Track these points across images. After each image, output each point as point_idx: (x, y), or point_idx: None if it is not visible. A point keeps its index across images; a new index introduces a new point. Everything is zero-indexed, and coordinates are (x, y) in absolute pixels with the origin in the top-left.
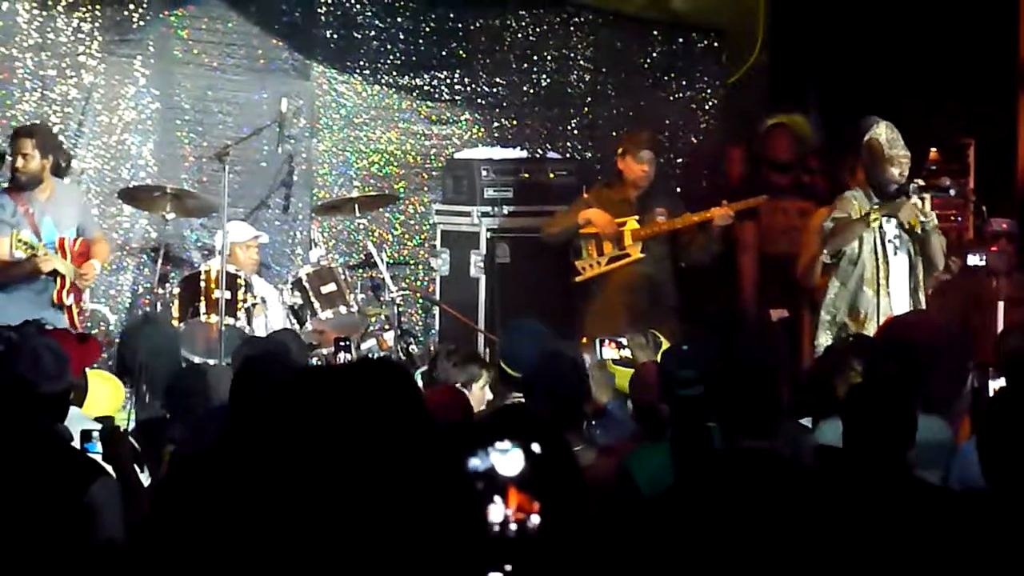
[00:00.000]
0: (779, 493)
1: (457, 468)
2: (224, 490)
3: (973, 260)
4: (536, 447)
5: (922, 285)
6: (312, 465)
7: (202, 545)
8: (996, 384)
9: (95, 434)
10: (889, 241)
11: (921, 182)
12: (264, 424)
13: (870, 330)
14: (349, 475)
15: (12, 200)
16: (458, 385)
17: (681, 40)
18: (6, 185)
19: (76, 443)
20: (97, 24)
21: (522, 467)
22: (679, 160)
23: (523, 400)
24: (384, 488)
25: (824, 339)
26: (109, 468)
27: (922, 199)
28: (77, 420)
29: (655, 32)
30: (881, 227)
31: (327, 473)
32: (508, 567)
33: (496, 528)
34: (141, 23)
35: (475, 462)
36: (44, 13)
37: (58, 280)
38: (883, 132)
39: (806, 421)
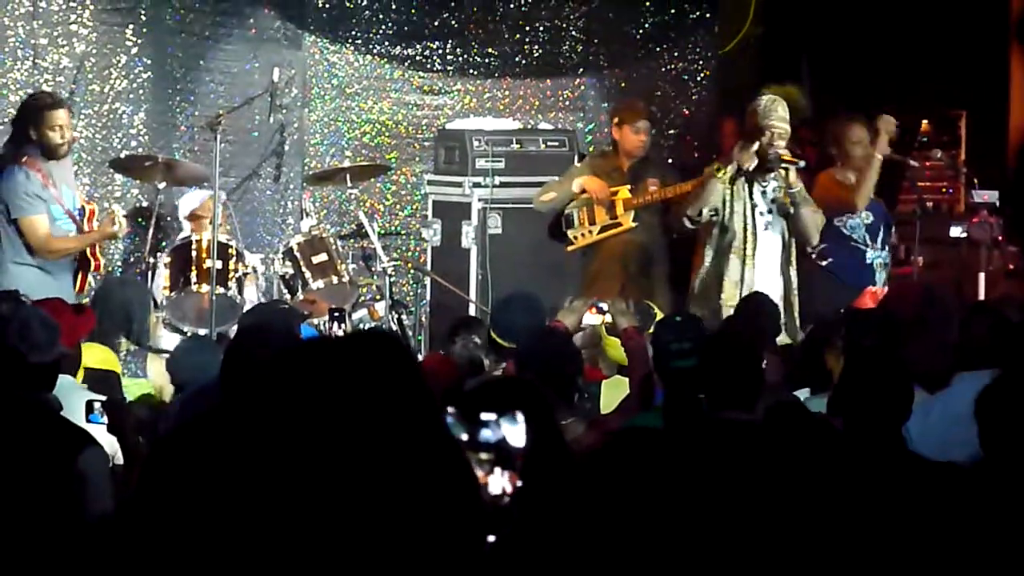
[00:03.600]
0: (758, 464)
1: (453, 439)
2: (211, 464)
3: (955, 232)
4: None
5: (794, 261)
6: (303, 440)
7: (183, 521)
8: None
9: (97, 405)
10: (761, 214)
11: (786, 154)
12: (254, 398)
13: (735, 299)
14: (342, 450)
15: (34, 172)
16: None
17: (673, 11)
18: (25, 158)
19: (80, 415)
20: None
21: (527, 440)
22: (671, 131)
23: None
24: (380, 463)
25: (695, 308)
26: (114, 439)
27: (785, 171)
28: (70, 390)
29: (647, 3)
30: (752, 198)
31: (319, 449)
32: (493, 538)
33: (495, 500)
34: None
35: (487, 433)
36: None
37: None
38: (763, 102)
39: (802, 393)
